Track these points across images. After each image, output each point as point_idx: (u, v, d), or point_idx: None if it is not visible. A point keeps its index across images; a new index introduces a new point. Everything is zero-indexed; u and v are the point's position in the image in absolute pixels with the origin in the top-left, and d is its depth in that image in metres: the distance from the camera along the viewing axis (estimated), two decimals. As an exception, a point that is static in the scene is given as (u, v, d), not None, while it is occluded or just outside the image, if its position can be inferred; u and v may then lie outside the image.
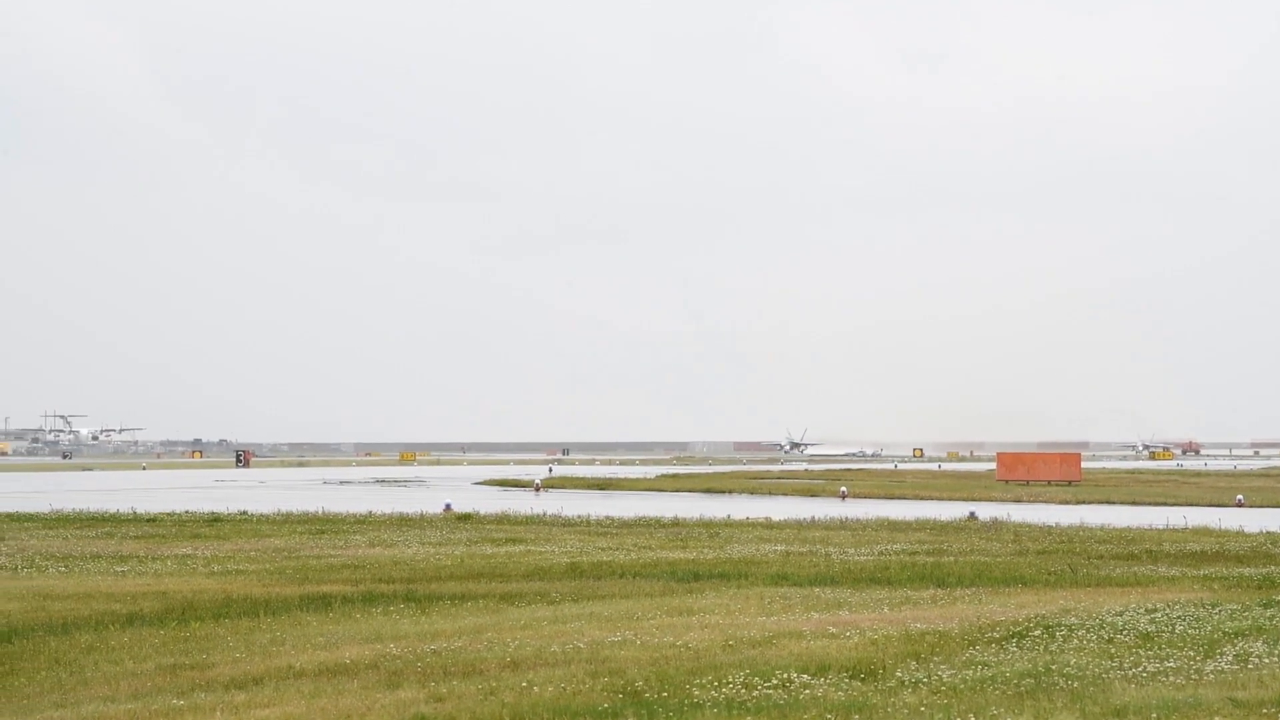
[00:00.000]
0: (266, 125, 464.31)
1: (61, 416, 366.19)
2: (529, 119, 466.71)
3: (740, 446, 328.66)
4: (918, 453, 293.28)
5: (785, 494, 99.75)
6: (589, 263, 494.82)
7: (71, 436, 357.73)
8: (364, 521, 59.34)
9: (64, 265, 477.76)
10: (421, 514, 64.29)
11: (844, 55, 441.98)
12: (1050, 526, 56.15)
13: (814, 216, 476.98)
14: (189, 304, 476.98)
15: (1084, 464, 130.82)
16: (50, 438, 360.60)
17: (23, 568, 38.77)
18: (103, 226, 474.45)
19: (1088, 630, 23.73)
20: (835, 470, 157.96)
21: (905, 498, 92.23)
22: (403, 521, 59.46)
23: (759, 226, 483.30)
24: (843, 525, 57.64)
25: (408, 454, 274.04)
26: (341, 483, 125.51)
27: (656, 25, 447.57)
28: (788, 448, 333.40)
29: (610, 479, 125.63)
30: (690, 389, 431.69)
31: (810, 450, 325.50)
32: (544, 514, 64.11)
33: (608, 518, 61.55)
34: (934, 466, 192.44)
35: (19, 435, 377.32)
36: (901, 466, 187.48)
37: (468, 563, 40.01)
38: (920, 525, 57.61)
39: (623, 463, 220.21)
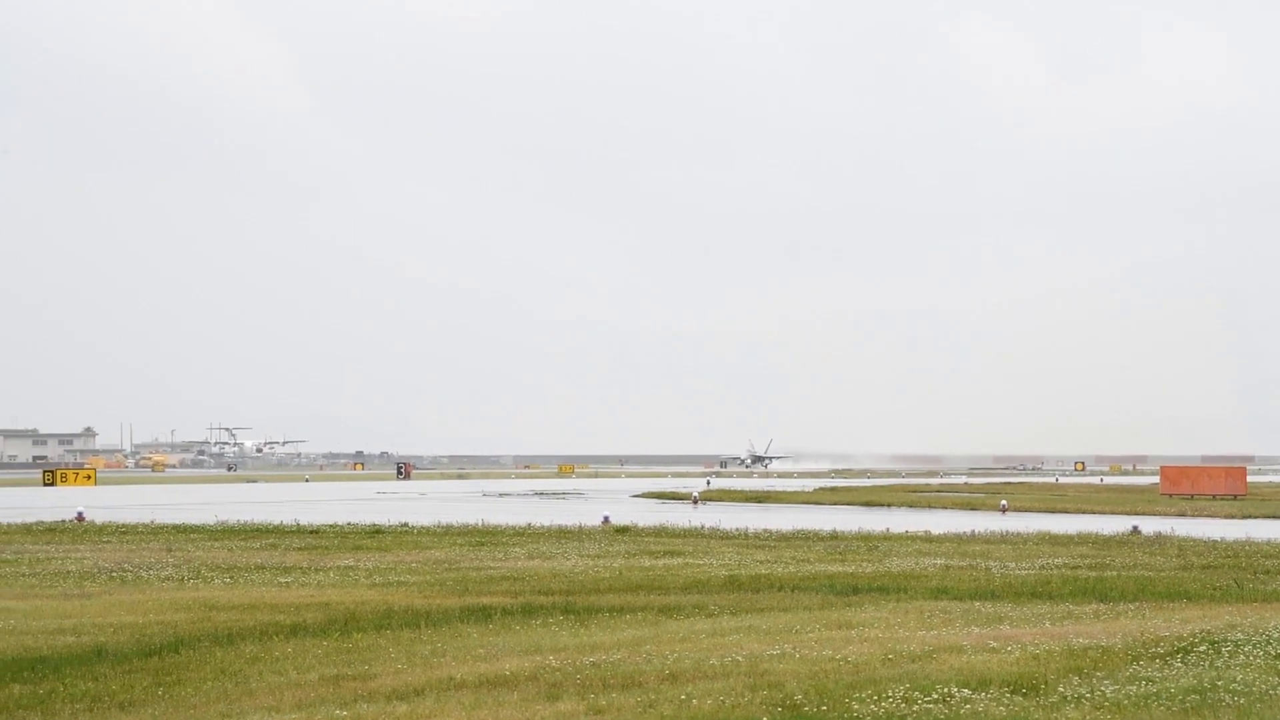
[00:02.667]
0: (417, 138, 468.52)
1: (226, 429, 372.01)
2: (675, 130, 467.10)
3: (899, 459, 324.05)
4: (1079, 466, 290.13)
5: (945, 507, 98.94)
6: (736, 274, 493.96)
7: (236, 449, 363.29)
8: (523, 534, 59.63)
9: (228, 280, 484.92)
10: (580, 526, 64.51)
11: (999, 66, 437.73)
12: (1215, 541, 55.24)
13: (965, 228, 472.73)
14: (352, 317, 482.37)
15: (1250, 478, 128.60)
16: (215, 450, 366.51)
17: (189, 578, 39.35)
18: (264, 240, 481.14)
19: (1254, 646, 23.33)
20: (995, 484, 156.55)
21: (1067, 511, 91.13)
22: (561, 534, 59.69)
23: (910, 237, 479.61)
24: (1003, 539, 57.09)
25: (566, 466, 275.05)
26: (501, 495, 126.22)
27: (804, 34, 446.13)
28: (748, 461, 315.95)
29: (768, 492, 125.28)
30: (849, 400, 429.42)
31: (775, 464, 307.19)
32: (702, 527, 64.08)
33: (766, 530, 61.42)
34: (1096, 480, 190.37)
35: (185, 448, 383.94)
36: (1063, 480, 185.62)
37: (626, 575, 40.08)
38: (1082, 539, 56.91)
39: (780, 475, 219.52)
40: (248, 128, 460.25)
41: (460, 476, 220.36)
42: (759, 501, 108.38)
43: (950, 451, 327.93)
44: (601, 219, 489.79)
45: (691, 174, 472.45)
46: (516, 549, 50.51)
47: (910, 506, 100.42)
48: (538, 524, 65.99)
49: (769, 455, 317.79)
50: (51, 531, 61.07)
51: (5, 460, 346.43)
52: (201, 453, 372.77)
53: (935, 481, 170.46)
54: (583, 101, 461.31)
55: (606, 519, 68.68)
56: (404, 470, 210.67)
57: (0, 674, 22.29)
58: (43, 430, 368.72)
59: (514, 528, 63.28)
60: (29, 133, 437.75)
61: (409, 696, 19.67)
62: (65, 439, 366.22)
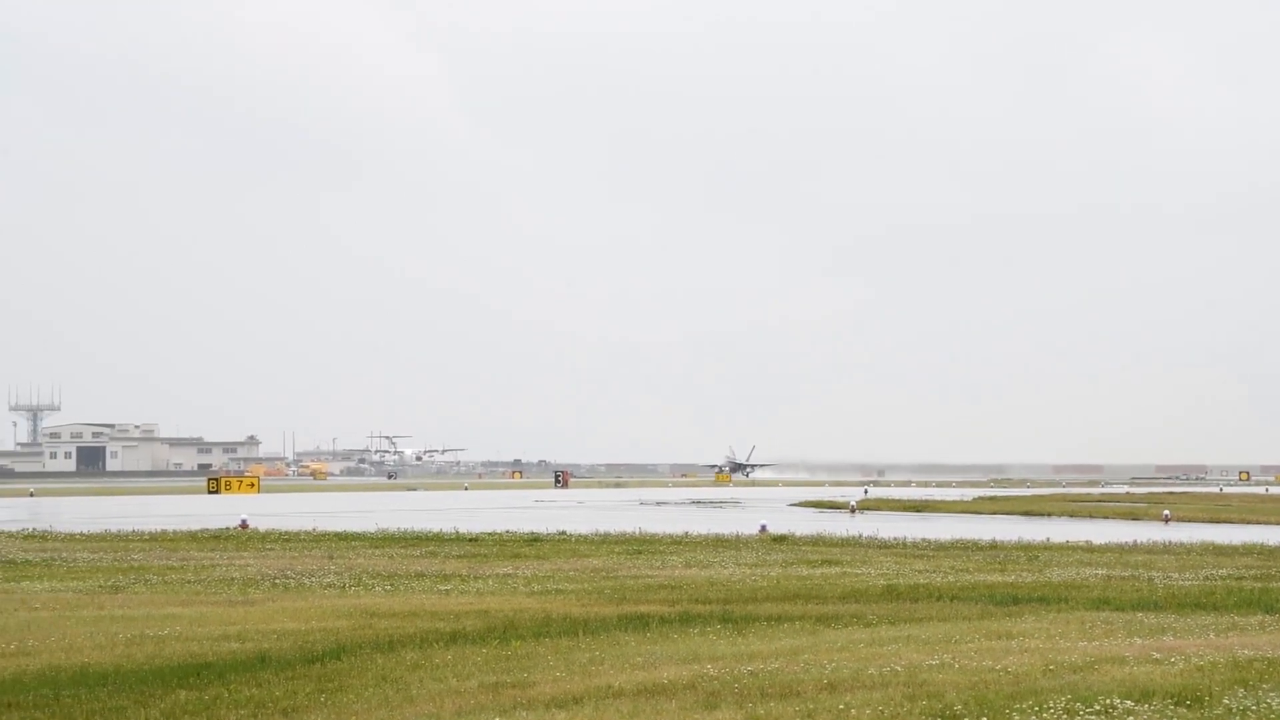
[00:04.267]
0: (592, 155, 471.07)
1: (387, 438, 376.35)
2: (840, 141, 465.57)
3: (1059, 469, 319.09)
4: (1244, 476, 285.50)
5: (1106, 517, 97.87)
6: (899, 283, 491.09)
7: (396, 457, 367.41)
8: (680, 542, 59.66)
9: (391, 292, 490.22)
10: (737, 535, 64.42)
11: (1161, 73, 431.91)
12: (1386, 551, 54.16)
13: (1133, 238, 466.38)
14: (510, 330, 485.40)
15: None
16: (376, 458, 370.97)
17: (350, 586, 39.79)
18: (423, 254, 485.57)
19: None
20: (1158, 494, 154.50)
21: (1231, 522, 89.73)
22: (718, 542, 59.66)
23: (1070, 248, 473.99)
24: (1166, 549, 56.28)
25: (723, 475, 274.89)
26: (658, 503, 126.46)
27: (969, 45, 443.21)
28: (727, 469, 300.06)
29: (926, 501, 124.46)
30: (1007, 410, 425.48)
31: (756, 474, 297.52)
32: (859, 536, 63.77)
33: (924, 540, 60.97)
34: (1261, 490, 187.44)
35: (346, 456, 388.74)
36: (1227, 489, 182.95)
37: (783, 584, 40.02)
38: (1247, 550, 56.00)
39: (939, 484, 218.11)
40: (417, 136, 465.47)
41: (617, 485, 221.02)
42: (917, 511, 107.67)
43: (1111, 461, 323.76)
44: (756, 222, 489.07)
45: (848, 181, 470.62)
46: (674, 557, 50.57)
47: (1070, 516, 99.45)
48: (695, 532, 66.04)
49: (750, 464, 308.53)
50: (216, 539, 62.01)
51: (171, 468, 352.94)
52: (362, 461, 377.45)
53: (1096, 491, 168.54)
54: (750, 111, 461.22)
55: (764, 528, 68.55)
56: (561, 478, 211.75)
57: (167, 680, 22.69)
58: (208, 438, 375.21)
59: (671, 536, 63.33)
60: (195, 145, 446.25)
61: (567, 704, 19.76)
62: (229, 447, 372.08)
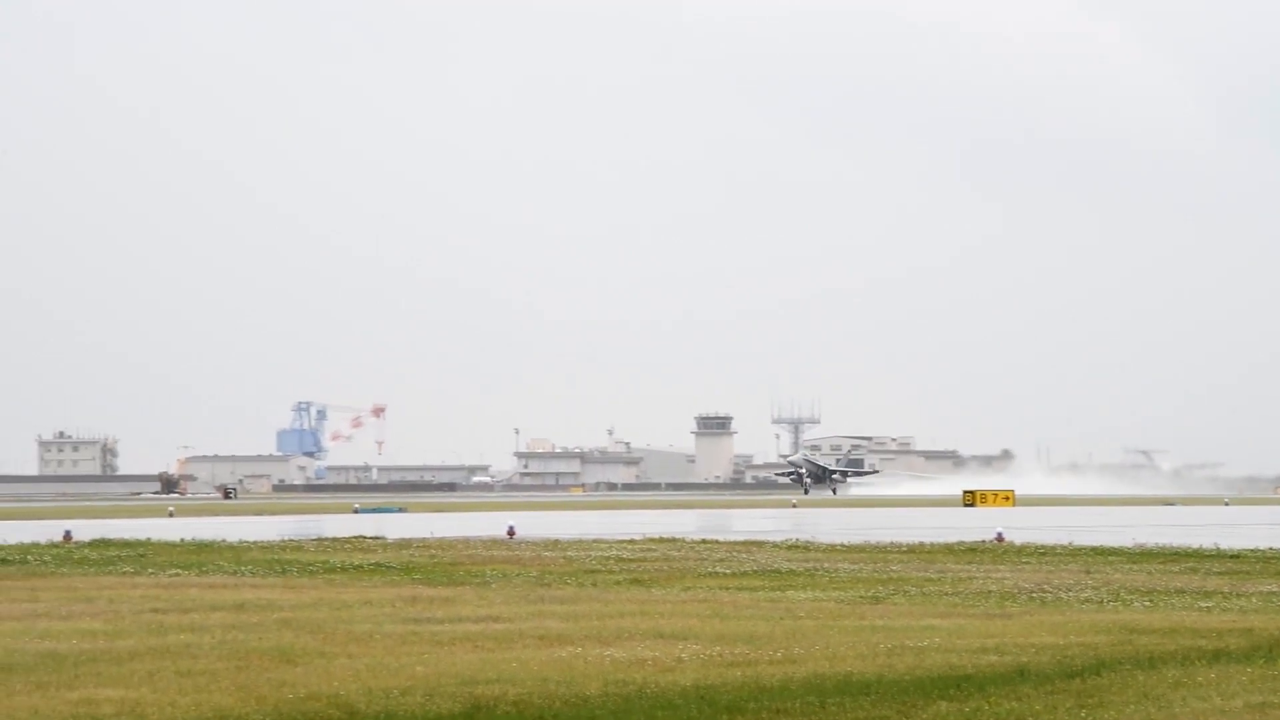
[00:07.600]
0: None
1: (1142, 452, 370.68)
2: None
3: None
4: None
5: None
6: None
7: (1150, 470, 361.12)
8: None
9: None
10: None
11: None
12: None
13: None
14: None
15: None
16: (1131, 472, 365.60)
17: (1108, 601, 39.49)
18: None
19: None
20: None
21: None
22: None
23: None
24: None
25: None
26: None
27: None
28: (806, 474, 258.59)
29: None
30: None
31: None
32: None
33: None
34: None
35: (1101, 470, 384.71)
36: None
37: None
38: None
39: None
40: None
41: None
42: None
43: None
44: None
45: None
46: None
47: None
48: None
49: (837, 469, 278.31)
50: (972, 551, 62.53)
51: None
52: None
53: None
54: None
55: None
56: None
57: (927, 690, 23.16)
58: (961, 452, 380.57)
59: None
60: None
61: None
62: (983, 460, 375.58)
